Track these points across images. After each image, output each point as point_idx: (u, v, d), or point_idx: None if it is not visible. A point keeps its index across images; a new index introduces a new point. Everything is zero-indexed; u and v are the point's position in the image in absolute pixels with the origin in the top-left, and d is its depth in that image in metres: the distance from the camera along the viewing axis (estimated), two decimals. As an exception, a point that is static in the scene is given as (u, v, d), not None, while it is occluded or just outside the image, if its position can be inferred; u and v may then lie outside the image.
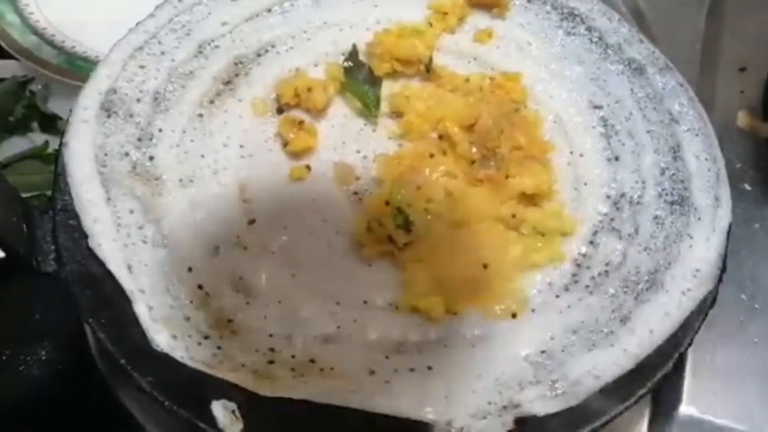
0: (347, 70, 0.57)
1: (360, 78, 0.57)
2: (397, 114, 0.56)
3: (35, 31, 0.86)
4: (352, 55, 0.58)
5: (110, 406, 0.52)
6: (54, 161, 0.74)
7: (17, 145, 0.79)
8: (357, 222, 0.50)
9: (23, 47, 0.84)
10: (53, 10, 0.89)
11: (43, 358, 0.67)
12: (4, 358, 0.68)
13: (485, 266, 0.48)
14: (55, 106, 0.82)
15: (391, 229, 0.49)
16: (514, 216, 0.50)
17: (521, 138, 0.53)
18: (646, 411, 0.53)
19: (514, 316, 0.46)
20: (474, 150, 0.53)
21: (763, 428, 0.50)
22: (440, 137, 0.54)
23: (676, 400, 0.51)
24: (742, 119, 0.65)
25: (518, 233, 0.50)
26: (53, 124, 0.80)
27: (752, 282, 0.56)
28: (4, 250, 0.46)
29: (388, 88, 0.57)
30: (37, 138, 0.80)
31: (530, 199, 0.51)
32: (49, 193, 0.72)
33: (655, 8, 0.74)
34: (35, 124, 0.81)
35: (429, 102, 0.55)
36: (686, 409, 0.51)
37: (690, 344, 0.45)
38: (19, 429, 0.64)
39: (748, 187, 0.61)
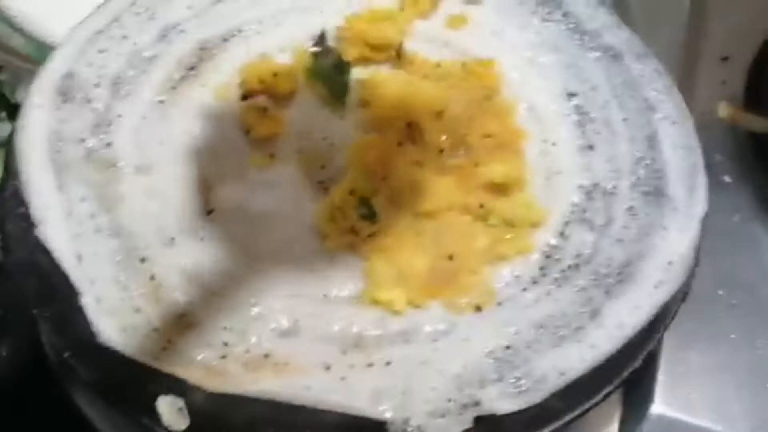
0: (315, 56, 0.55)
1: (328, 64, 0.55)
2: (365, 101, 0.54)
3: (5, 19, 0.84)
4: (321, 39, 0.56)
5: (63, 408, 0.51)
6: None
7: (-16, 134, 0.77)
8: (320, 212, 0.48)
9: (-8, 35, 0.82)
10: (24, -3, 0.87)
11: (3, 354, 0.66)
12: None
13: (450, 258, 0.46)
14: (23, 95, 0.80)
15: (354, 220, 0.47)
16: (482, 206, 0.48)
17: (492, 125, 0.51)
18: (617, 411, 0.51)
19: (478, 309, 0.44)
20: (443, 138, 0.51)
21: (739, 428, 0.48)
22: (409, 125, 0.52)
23: (648, 399, 0.49)
24: (724, 110, 0.63)
25: (486, 224, 0.48)
26: (22, 114, 0.79)
27: (730, 276, 0.54)
28: (-56, 238, 0.44)
29: (357, 74, 0.55)
30: (5, 128, 0.78)
31: (500, 188, 0.49)
32: (15, 183, 0.71)
33: (639, -5, 0.72)
34: (3, 114, 0.79)
35: (398, 89, 0.53)
36: (658, 408, 0.49)
37: (661, 339, 0.43)
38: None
39: (727, 179, 0.59)
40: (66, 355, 0.41)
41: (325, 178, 0.51)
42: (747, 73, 0.65)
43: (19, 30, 0.83)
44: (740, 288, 0.54)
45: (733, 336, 0.52)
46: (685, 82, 0.65)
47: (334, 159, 0.51)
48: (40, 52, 0.82)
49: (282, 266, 0.46)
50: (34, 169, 0.48)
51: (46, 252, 0.44)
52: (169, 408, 0.39)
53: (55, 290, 0.43)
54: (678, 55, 0.67)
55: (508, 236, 0.47)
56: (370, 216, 0.47)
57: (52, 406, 0.54)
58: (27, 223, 0.45)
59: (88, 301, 0.42)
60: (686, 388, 0.50)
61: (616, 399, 0.51)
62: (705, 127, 0.62)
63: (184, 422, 0.39)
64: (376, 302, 0.45)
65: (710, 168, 0.57)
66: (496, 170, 0.49)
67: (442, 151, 0.50)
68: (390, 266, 0.46)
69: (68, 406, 0.50)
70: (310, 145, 0.52)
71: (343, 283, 0.46)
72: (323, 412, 0.39)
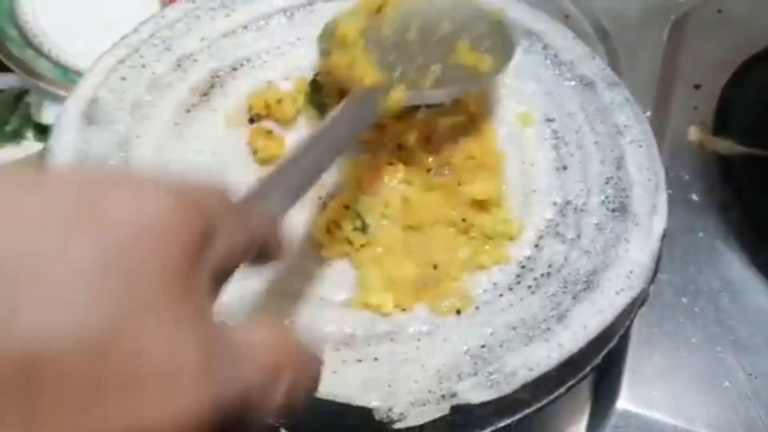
0: (312, 85, 0.61)
1: (321, 94, 0.60)
2: None
3: (33, 46, 0.91)
4: (314, 79, 0.61)
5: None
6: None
7: (12, 153, 0.83)
8: (317, 224, 0.53)
9: (21, 61, 0.88)
10: (51, 25, 0.93)
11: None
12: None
13: (435, 266, 0.51)
14: (49, 116, 0.85)
15: (348, 232, 0.52)
16: (464, 220, 0.53)
17: (476, 149, 0.56)
18: (587, 406, 0.56)
19: (458, 312, 0.49)
20: (430, 159, 0.56)
21: (696, 422, 0.52)
22: (399, 147, 0.57)
23: (614, 395, 0.54)
24: (694, 133, 0.68)
25: (468, 237, 0.53)
26: (47, 134, 0.84)
27: (693, 286, 0.59)
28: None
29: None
30: (32, 147, 0.84)
31: (481, 205, 0.54)
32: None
33: (619, 27, 0.78)
34: (30, 134, 0.85)
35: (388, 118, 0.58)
36: (623, 404, 0.53)
37: (621, 339, 0.48)
38: None
39: (695, 197, 0.64)
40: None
41: (323, 193, 0.56)
42: (717, 101, 0.69)
43: (45, 55, 0.89)
44: (702, 297, 0.59)
45: (693, 340, 0.56)
46: (660, 107, 0.70)
47: (331, 176, 0.56)
48: (65, 75, 0.88)
49: (282, 272, 0.51)
50: (63, 184, 0.53)
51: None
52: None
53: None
54: (654, 82, 0.72)
55: (487, 248, 0.52)
56: (363, 228, 0.53)
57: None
58: (56, 232, 0.50)
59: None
60: (649, 387, 0.54)
61: (585, 395, 0.55)
62: (676, 149, 0.68)
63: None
64: (366, 306, 0.50)
65: (679, 187, 0.62)
66: (477, 188, 0.54)
67: (429, 170, 0.56)
68: (380, 273, 0.51)
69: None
70: (310, 164, 0.57)
71: (337, 288, 0.51)
72: (318, 400, 0.44)
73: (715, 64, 0.72)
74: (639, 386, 0.54)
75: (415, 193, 0.55)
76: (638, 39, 0.76)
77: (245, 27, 0.64)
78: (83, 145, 0.55)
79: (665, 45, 0.76)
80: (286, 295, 0.50)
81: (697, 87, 0.71)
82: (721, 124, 0.67)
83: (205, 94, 0.60)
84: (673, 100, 0.70)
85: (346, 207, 0.54)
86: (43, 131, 0.85)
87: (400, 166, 0.56)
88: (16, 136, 0.84)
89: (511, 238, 0.53)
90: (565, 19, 0.77)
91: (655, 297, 0.54)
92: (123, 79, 0.59)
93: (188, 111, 0.59)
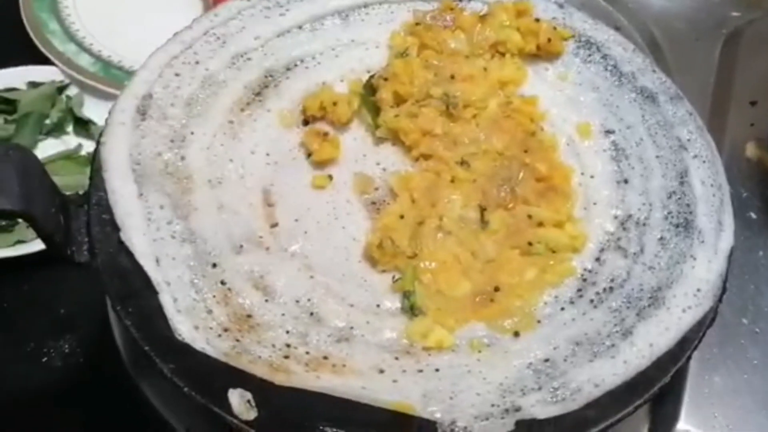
0: (366, 87, 0.60)
1: (376, 97, 0.59)
2: (416, 137, 0.57)
3: (74, 40, 0.91)
4: (369, 81, 0.60)
5: (131, 398, 0.55)
6: (86, 163, 0.78)
7: (52, 146, 0.83)
8: (369, 239, 0.52)
9: (62, 54, 0.88)
10: (92, 20, 0.93)
11: (66, 350, 0.70)
12: (28, 349, 0.71)
13: (497, 289, 0.50)
14: (89, 110, 0.85)
15: (402, 246, 0.51)
16: (530, 244, 0.52)
17: (542, 167, 0.55)
18: (645, 427, 0.54)
19: (516, 334, 0.48)
20: (491, 174, 0.55)
21: (758, 448, 0.51)
22: (461, 162, 0.56)
23: (674, 417, 0.52)
24: (751, 150, 0.67)
25: (531, 254, 0.52)
26: (87, 128, 0.84)
27: (754, 306, 0.58)
28: (44, 240, 0.49)
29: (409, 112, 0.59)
30: (71, 141, 0.83)
31: (547, 226, 0.53)
32: (80, 192, 0.76)
33: (671, 40, 0.76)
34: (70, 128, 0.85)
35: (446, 129, 0.57)
36: (683, 426, 0.52)
37: (689, 360, 0.46)
38: (41, 419, 0.66)
39: (753, 215, 0.63)
40: (146, 349, 0.45)
41: (377, 199, 0.55)
42: (774, 117, 0.68)
43: (87, 50, 0.89)
44: (763, 317, 0.57)
45: (755, 362, 0.55)
46: (716, 123, 0.69)
47: (387, 182, 0.56)
48: (106, 70, 0.88)
49: (338, 278, 0.50)
50: (118, 179, 0.52)
51: (128, 254, 0.48)
52: (238, 399, 0.43)
53: (136, 289, 0.48)
54: (708, 97, 0.71)
55: (551, 263, 0.51)
56: (416, 245, 0.51)
57: (114, 403, 0.58)
58: (111, 228, 0.50)
59: (166, 300, 0.47)
60: (710, 409, 0.53)
61: (644, 415, 0.54)
62: (733, 165, 0.66)
63: (252, 413, 0.43)
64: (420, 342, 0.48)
65: (737, 205, 0.60)
66: (544, 214, 0.52)
67: (492, 190, 0.54)
68: (433, 292, 0.49)
69: (136, 399, 0.54)
70: (365, 168, 0.57)
71: (393, 296, 0.50)
72: (379, 410, 0.43)
73: (771, 80, 0.71)
74: (699, 408, 0.52)
75: (475, 214, 0.53)
76: (691, 52, 0.75)
77: (300, 27, 0.63)
78: (137, 140, 0.54)
79: (718, 59, 0.74)
80: (342, 301, 0.49)
81: (753, 103, 0.70)
82: (779, 141, 0.66)
83: (258, 93, 0.59)
84: (729, 116, 0.69)
85: (401, 217, 0.52)
86: (83, 125, 0.84)
87: (460, 181, 0.55)
88: (57, 129, 0.84)
89: (575, 251, 0.51)
90: (616, 30, 0.75)
91: (714, 317, 0.52)
92: (177, 75, 0.58)
93: (242, 110, 0.58)
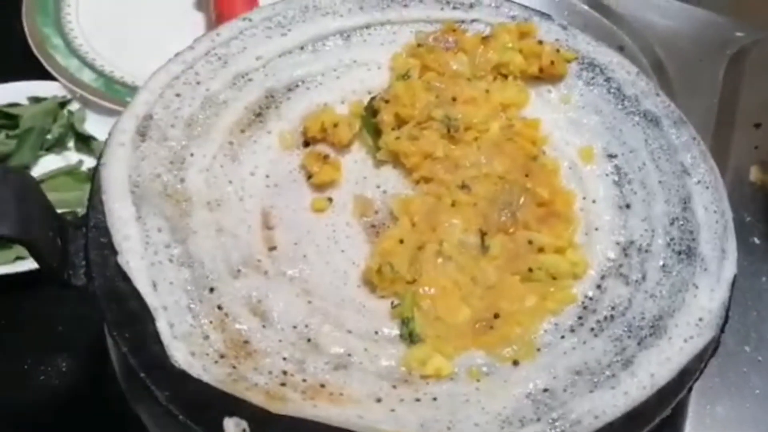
0: (368, 109, 0.59)
1: (377, 119, 0.59)
2: (417, 161, 0.57)
3: (77, 55, 0.91)
4: (370, 103, 0.60)
5: (127, 419, 0.54)
6: (87, 180, 0.78)
7: (53, 162, 0.83)
8: (368, 264, 0.51)
9: (65, 69, 0.88)
10: (96, 35, 0.93)
11: (63, 369, 0.70)
12: (25, 366, 0.71)
13: (496, 316, 0.49)
14: (90, 126, 0.85)
15: (402, 272, 0.50)
16: (530, 270, 0.51)
17: (544, 192, 0.54)
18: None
19: (516, 363, 0.47)
20: (492, 199, 0.54)
21: (761, 479, 0.51)
22: (462, 186, 0.55)
23: (676, 446, 0.52)
24: (755, 174, 0.66)
25: (532, 281, 0.51)
26: (88, 144, 0.84)
27: (756, 334, 0.57)
28: (38, 262, 0.48)
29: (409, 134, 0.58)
30: (72, 156, 0.83)
31: (548, 251, 0.52)
32: (79, 210, 0.75)
33: (675, 60, 0.76)
34: (71, 143, 0.84)
35: (447, 152, 0.57)
36: (685, 456, 0.52)
37: (690, 390, 0.46)
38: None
39: (757, 240, 0.62)
40: (141, 375, 0.45)
41: (377, 222, 0.54)
42: (778, 140, 0.68)
43: (89, 65, 0.89)
44: (766, 345, 0.57)
45: (758, 391, 0.54)
46: (720, 145, 0.68)
47: (387, 205, 0.55)
48: (109, 86, 0.88)
49: (337, 303, 0.50)
50: (116, 201, 0.52)
51: (125, 278, 0.48)
52: (234, 429, 0.43)
53: (132, 314, 0.47)
54: (712, 119, 0.71)
55: (552, 289, 0.50)
56: (416, 270, 0.51)
57: (112, 420, 0.58)
58: (109, 251, 0.49)
59: (161, 326, 0.46)
60: (712, 439, 0.52)
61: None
62: (737, 189, 0.66)
63: (247, 442, 0.42)
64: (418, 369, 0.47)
65: (740, 229, 0.60)
66: (545, 239, 0.52)
67: (493, 215, 0.53)
68: (431, 319, 0.49)
69: (132, 421, 0.53)
70: (365, 191, 0.56)
71: (392, 322, 0.49)
72: (376, 441, 0.43)
73: (776, 102, 0.71)
74: (701, 438, 0.52)
75: (475, 239, 0.53)
76: (695, 72, 0.75)
77: (302, 47, 0.63)
78: (137, 162, 0.54)
79: (723, 80, 0.74)
80: (340, 327, 0.49)
81: (757, 125, 0.70)
82: (782, 165, 0.66)
83: (258, 114, 0.59)
84: (733, 139, 0.69)
85: (401, 241, 0.52)
86: (84, 141, 0.84)
87: (461, 206, 0.54)
88: (58, 145, 0.84)
89: (576, 278, 0.51)
90: (620, 50, 0.75)
91: (716, 345, 0.52)
92: (177, 95, 0.58)
93: (243, 131, 0.58)
